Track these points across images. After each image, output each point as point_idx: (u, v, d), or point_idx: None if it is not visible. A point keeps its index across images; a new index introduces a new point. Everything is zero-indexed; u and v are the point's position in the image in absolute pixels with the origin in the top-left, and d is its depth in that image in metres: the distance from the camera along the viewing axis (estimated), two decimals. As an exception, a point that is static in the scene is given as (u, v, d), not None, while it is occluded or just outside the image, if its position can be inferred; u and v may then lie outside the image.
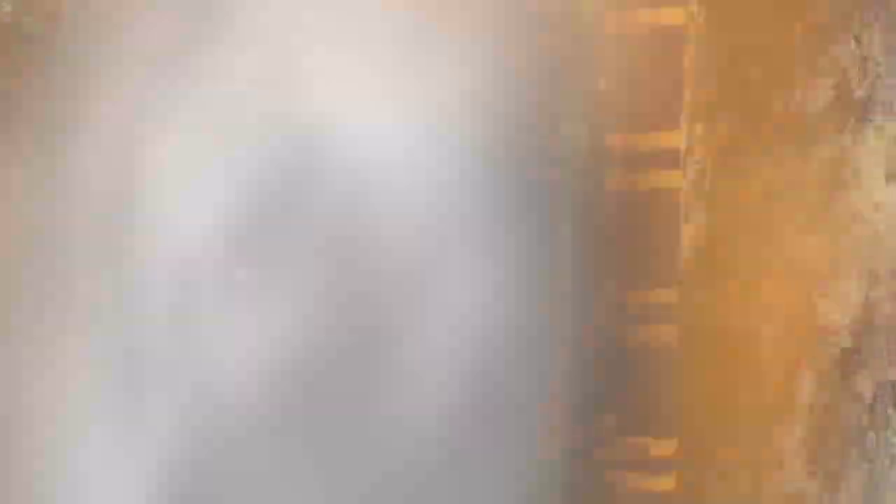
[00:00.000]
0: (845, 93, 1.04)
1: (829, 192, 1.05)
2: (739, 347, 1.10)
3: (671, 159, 0.98)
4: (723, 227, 1.12)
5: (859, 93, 1.04)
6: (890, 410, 1.01)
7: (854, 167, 1.04)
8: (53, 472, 0.83)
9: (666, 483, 1.06)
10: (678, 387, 1.07)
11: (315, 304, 0.86)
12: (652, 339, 1.07)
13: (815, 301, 1.06)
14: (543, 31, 0.97)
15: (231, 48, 0.84)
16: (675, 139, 1.01)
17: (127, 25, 0.85)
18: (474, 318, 0.87)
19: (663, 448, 1.06)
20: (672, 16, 0.97)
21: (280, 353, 0.87)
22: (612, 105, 0.99)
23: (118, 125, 0.84)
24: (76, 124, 0.84)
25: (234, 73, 0.86)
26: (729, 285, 1.10)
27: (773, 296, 1.07)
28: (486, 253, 0.88)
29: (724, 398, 1.08)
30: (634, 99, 1.00)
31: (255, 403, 0.86)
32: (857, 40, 1.03)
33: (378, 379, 0.87)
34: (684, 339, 1.10)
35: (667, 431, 1.04)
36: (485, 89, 0.86)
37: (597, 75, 0.99)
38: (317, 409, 0.87)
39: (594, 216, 0.96)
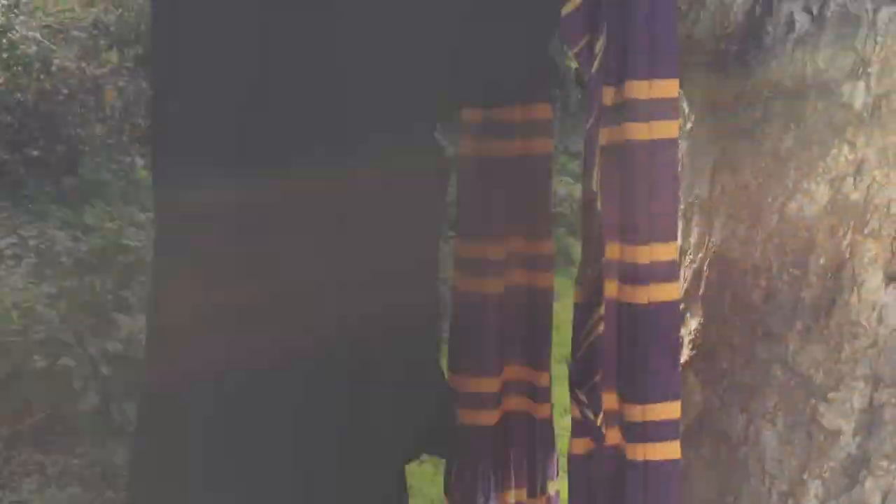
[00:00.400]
0: (841, 196, 1.01)
1: (829, 297, 1.03)
2: (744, 452, 1.08)
3: (668, 271, 0.95)
4: (720, 331, 1.09)
5: (855, 196, 1.01)
6: (899, 518, 1.00)
7: (853, 271, 1.02)
8: None
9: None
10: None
11: None
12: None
13: (819, 407, 1.04)
14: None
15: None
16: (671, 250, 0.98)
17: None
18: None
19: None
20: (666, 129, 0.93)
21: None
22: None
23: None
24: None
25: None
26: (727, 391, 1.08)
27: (774, 401, 1.06)
28: None
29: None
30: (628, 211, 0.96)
31: None
32: (852, 144, 1.00)
33: None
34: (685, 442, 1.08)
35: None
36: None
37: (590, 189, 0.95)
38: None
39: None
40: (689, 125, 1.15)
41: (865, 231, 1.01)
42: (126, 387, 3.13)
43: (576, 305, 0.97)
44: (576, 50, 0.85)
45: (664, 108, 0.91)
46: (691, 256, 1.14)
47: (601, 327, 0.90)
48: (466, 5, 0.72)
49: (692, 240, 1.14)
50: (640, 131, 0.91)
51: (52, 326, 3.17)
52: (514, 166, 1.07)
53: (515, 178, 1.07)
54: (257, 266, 0.86)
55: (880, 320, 1.03)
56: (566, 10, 0.82)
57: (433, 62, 0.78)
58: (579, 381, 0.93)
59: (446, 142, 1.14)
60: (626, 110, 0.91)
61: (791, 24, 0.99)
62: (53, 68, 4.20)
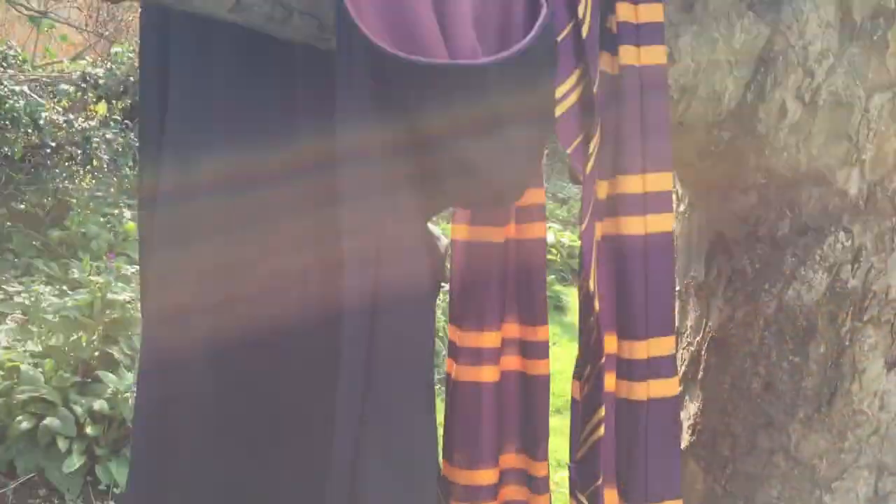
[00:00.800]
0: (840, 283, 1.00)
1: (830, 385, 1.01)
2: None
3: (666, 365, 0.93)
4: (721, 418, 1.07)
5: (854, 283, 1.00)
6: None
7: (853, 358, 1.01)
8: None
9: None
10: None
11: None
12: None
13: (824, 497, 1.02)
14: None
15: None
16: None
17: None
18: None
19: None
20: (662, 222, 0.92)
21: None
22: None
23: None
24: None
25: None
26: (730, 480, 1.06)
27: (778, 490, 1.03)
28: None
29: None
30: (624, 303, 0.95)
31: None
32: (848, 231, 0.99)
33: None
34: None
35: None
36: None
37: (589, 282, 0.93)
38: None
39: None
40: (682, 206, 1.14)
41: (865, 318, 1.00)
42: (112, 446, 3.08)
43: (574, 402, 0.95)
44: (570, 150, 0.84)
45: (658, 202, 0.90)
46: (689, 339, 1.12)
47: (602, 430, 0.88)
48: (462, 116, 0.71)
49: (689, 322, 1.12)
50: (635, 226, 0.90)
51: (38, 386, 3.12)
52: (508, 251, 1.05)
53: (510, 262, 1.05)
54: None
55: (882, 407, 1.02)
56: (561, 109, 0.82)
57: (428, 171, 0.77)
58: (581, 485, 0.91)
59: (439, 229, 1.12)
60: (620, 204, 0.90)
61: (783, 111, 0.99)
62: (41, 122, 4.19)
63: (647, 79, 0.88)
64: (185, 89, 0.93)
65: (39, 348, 3.37)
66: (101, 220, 4.36)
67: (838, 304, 1.00)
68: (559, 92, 0.81)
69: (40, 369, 3.22)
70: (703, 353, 1.09)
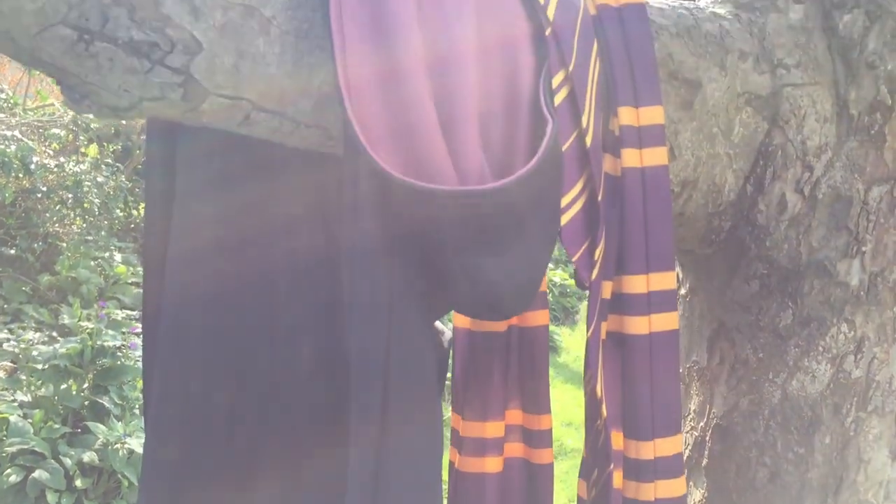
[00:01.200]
0: (843, 374, 1.00)
1: (836, 476, 1.01)
2: None
3: (673, 465, 0.93)
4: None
5: (857, 373, 1.00)
6: None
7: (858, 449, 1.01)
8: None
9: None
10: None
11: None
12: None
13: (831, 588, 1.01)
14: None
15: None
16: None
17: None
18: None
19: None
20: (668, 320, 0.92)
21: None
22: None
23: None
24: None
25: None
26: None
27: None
28: None
29: None
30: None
31: None
32: (850, 322, 1.00)
33: None
34: None
35: None
36: None
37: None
38: None
39: None
40: (683, 290, 1.14)
41: (869, 408, 1.00)
42: (102, 499, 3.03)
43: (581, 500, 0.94)
44: (575, 258, 0.84)
45: (663, 301, 0.90)
46: (693, 423, 1.12)
47: None
48: (469, 235, 0.71)
49: (692, 406, 1.12)
50: (640, 325, 0.89)
51: (27, 438, 3.08)
52: (511, 339, 1.05)
53: (512, 351, 1.05)
54: None
55: (888, 496, 1.01)
56: (566, 218, 0.82)
57: (434, 284, 0.77)
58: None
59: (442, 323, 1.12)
60: (624, 304, 0.90)
61: (783, 204, 1.00)
62: (32, 166, 4.18)
63: (650, 180, 0.88)
64: (191, 184, 0.93)
65: (29, 398, 3.33)
66: (92, 263, 4.34)
67: (842, 394, 1.00)
68: (564, 201, 0.81)
69: (29, 420, 3.18)
70: (707, 439, 1.09)
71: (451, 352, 1.03)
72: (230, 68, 0.73)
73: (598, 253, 0.84)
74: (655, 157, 0.89)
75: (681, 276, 1.15)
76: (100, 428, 3.15)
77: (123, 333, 3.65)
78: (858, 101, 0.99)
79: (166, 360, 0.94)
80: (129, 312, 4.00)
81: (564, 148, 0.81)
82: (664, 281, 0.90)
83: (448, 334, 1.02)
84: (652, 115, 0.89)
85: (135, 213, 4.67)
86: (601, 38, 0.89)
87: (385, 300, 0.74)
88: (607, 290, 0.91)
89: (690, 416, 1.13)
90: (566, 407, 3.97)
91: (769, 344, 1.02)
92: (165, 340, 0.95)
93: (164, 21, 0.69)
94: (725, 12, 1.01)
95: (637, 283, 0.89)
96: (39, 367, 3.41)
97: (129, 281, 4.35)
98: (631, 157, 0.88)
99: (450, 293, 0.77)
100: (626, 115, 0.88)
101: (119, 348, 3.57)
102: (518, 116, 0.79)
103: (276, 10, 0.73)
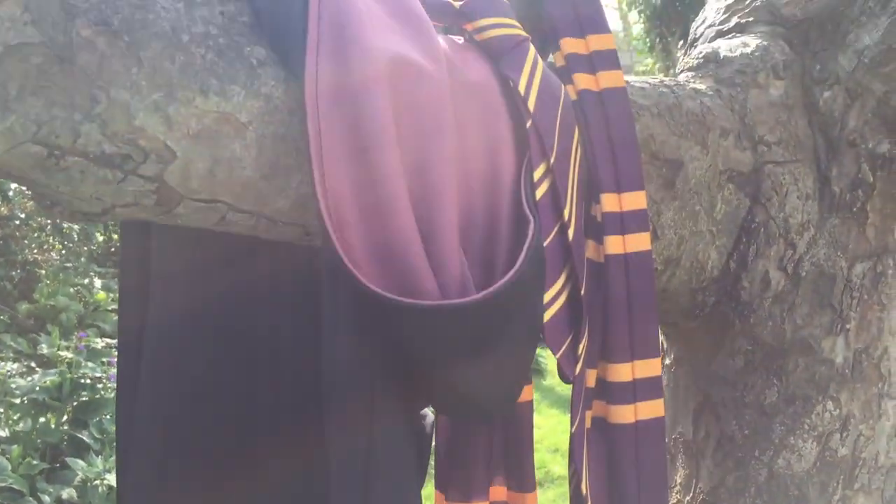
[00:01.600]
0: (829, 452, 1.00)
1: (822, 553, 1.00)
2: None
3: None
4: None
5: (843, 451, 1.00)
6: None
7: (844, 524, 1.00)
8: None
9: None
10: None
11: None
12: None
13: None
14: None
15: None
16: None
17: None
18: None
19: None
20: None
21: None
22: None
23: None
24: None
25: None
26: None
27: None
28: None
29: None
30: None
31: None
32: (836, 400, 0.99)
33: None
34: None
35: None
36: None
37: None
38: None
39: None
40: (667, 360, 1.13)
41: (855, 486, 1.00)
42: (81, 536, 2.99)
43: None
44: (559, 354, 0.83)
45: (648, 388, 0.89)
46: (679, 496, 1.11)
47: None
48: (450, 347, 0.70)
49: (678, 478, 1.11)
50: (625, 414, 0.88)
51: (5, 475, 3.03)
52: (495, 417, 1.04)
53: (496, 429, 1.04)
54: None
55: (875, 573, 1.01)
56: (548, 315, 0.81)
57: (415, 391, 0.76)
58: None
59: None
60: (609, 392, 0.89)
61: (767, 281, 0.99)
62: (10, 192, 4.13)
63: (633, 267, 0.87)
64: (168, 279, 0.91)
65: (6, 433, 3.28)
66: (72, 290, 4.28)
67: (829, 473, 0.99)
68: (547, 297, 0.80)
69: (7, 456, 3.13)
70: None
71: (433, 435, 1.02)
72: (205, 173, 0.72)
73: (581, 348, 0.83)
74: (639, 242, 0.88)
75: (665, 346, 1.14)
76: (79, 464, 3.10)
77: (103, 364, 3.61)
78: (840, 178, 0.99)
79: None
80: (108, 341, 3.95)
81: (546, 243, 0.79)
82: (649, 368, 0.89)
83: (430, 418, 1.01)
84: (635, 200, 0.88)
85: (115, 237, 4.62)
86: (582, 123, 0.88)
87: (366, 406, 0.73)
88: (591, 378, 0.90)
89: (676, 489, 1.12)
90: (552, 432, 3.95)
91: (755, 421, 1.01)
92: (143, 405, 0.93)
93: (136, 133, 0.67)
94: (706, 87, 1.01)
95: (622, 372, 0.88)
96: (17, 400, 3.35)
97: (109, 308, 4.30)
98: (614, 245, 0.87)
99: (433, 401, 0.76)
100: (609, 202, 0.87)
101: (99, 379, 3.52)
102: (499, 214, 0.78)
103: (252, 116, 0.72)
